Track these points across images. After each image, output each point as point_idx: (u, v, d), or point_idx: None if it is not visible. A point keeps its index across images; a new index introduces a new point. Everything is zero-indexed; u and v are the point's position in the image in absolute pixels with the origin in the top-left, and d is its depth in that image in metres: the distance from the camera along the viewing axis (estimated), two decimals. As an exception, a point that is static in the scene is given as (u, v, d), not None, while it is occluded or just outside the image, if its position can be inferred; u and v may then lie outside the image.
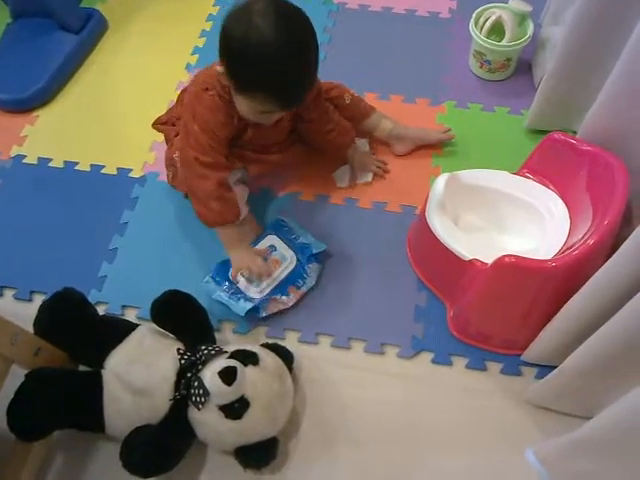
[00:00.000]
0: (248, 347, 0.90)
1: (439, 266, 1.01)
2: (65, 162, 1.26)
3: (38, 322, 0.92)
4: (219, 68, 0.90)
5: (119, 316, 1.06)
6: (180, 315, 0.94)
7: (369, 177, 1.20)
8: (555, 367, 0.96)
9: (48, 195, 1.22)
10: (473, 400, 0.97)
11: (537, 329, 0.91)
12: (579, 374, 0.81)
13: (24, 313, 1.06)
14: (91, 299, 1.05)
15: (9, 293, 1.10)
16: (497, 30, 1.27)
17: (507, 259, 0.82)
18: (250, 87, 0.88)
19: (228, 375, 0.81)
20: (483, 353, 1.01)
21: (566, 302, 0.84)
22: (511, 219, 1.00)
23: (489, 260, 0.87)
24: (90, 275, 1.11)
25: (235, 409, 0.82)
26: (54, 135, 1.31)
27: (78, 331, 0.92)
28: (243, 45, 0.83)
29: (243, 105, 0.93)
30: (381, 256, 1.11)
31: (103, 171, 1.24)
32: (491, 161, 1.20)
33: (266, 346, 0.95)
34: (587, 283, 0.77)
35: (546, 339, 0.89)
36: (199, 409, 0.83)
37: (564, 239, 0.90)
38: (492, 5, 1.28)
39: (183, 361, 0.85)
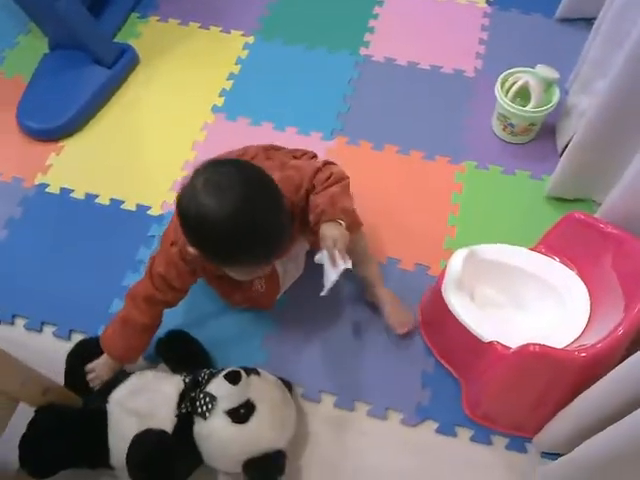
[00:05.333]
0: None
1: (455, 343, 0.99)
2: (86, 194, 1.28)
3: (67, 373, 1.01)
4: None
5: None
6: (182, 351, 1.02)
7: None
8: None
9: (67, 226, 1.24)
10: (476, 474, 0.95)
11: (549, 415, 0.89)
12: (597, 464, 0.77)
13: (33, 343, 1.09)
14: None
15: (20, 322, 1.11)
16: (523, 94, 1.27)
17: (532, 348, 0.80)
18: (213, 260, 0.84)
19: (234, 376, 0.85)
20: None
21: (584, 388, 0.81)
22: (529, 297, 0.99)
23: (508, 341, 0.86)
24: (101, 310, 1.11)
25: (242, 413, 0.85)
26: (78, 166, 1.33)
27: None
28: (193, 223, 0.79)
29: None
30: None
31: (123, 206, 1.26)
32: (508, 226, 1.20)
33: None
34: (610, 374, 0.75)
35: (560, 427, 0.87)
36: (205, 418, 0.85)
37: (584, 322, 0.88)
38: (519, 70, 1.29)
39: (187, 380, 0.90)
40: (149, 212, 1.25)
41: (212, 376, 0.89)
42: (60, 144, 1.37)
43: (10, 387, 0.80)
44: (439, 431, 0.99)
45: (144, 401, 0.89)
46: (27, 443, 0.86)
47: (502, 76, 1.29)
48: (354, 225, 0.95)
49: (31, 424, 0.87)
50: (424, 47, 1.51)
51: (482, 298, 1.01)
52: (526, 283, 0.99)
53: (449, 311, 0.94)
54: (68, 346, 1.03)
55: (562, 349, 0.86)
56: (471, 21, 1.56)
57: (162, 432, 0.85)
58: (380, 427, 0.99)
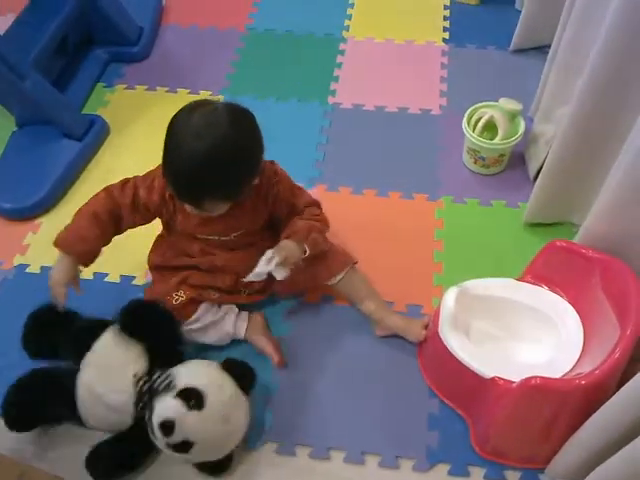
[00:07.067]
0: (199, 380, 0.92)
1: (456, 381, 0.99)
2: (67, 271, 1.25)
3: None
4: None
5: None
6: (150, 327, 1.01)
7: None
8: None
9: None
10: (493, 514, 0.94)
11: (558, 444, 0.89)
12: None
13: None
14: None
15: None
16: (489, 127, 1.31)
17: (533, 381, 0.81)
18: (164, 172, 0.93)
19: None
20: (502, 463, 0.98)
21: (590, 414, 0.82)
22: (523, 328, 1.00)
23: (509, 374, 0.87)
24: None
25: (180, 448, 0.89)
26: (57, 243, 1.31)
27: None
28: (170, 135, 0.90)
29: None
30: (388, 361, 1.10)
31: (106, 279, 1.24)
32: (493, 256, 1.22)
33: (227, 366, 0.96)
34: (614, 398, 0.75)
35: (571, 455, 0.86)
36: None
37: (580, 347, 0.89)
38: (483, 105, 1.33)
39: (138, 388, 0.94)
40: (134, 282, 1.23)
41: (159, 393, 0.90)
42: (36, 222, 1.35)
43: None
44: (452, 473, 0.97)
45: (110, 395, 0.94)
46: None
47: (467, 112, 1.33)
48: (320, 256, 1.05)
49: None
50: (389, 90, 1.56)
51: (478, 334, 1.02)
52: (519, 314, 1.00)
53: (448, 351, 0.94)
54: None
55: (563, 379, 0.87)
56: (431, 60, 1.62)
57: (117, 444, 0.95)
58: (393, 477, 0.98)
